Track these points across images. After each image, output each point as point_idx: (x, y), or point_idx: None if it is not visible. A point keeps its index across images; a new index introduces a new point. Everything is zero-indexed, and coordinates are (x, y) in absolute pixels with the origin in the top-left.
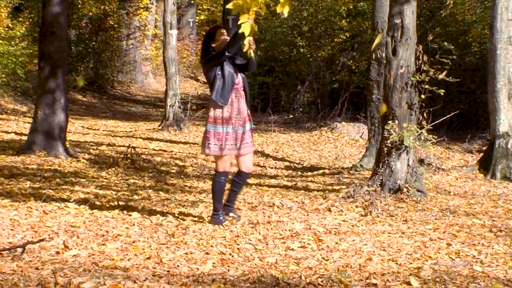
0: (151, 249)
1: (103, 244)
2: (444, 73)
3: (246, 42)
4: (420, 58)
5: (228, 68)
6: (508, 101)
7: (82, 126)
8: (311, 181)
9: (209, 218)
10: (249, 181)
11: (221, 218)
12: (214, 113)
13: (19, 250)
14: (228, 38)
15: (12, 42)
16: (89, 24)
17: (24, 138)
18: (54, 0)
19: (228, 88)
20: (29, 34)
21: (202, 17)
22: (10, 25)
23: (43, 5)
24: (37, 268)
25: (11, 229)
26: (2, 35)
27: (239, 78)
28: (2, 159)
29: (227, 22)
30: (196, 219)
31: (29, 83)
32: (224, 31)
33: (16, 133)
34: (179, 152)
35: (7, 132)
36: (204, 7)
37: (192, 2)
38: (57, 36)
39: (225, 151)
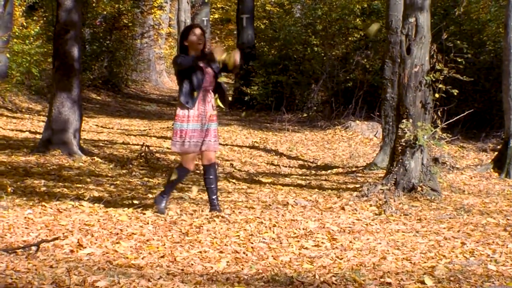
0: (165, 248)
1: (117, 243)
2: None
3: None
4: (435, 56)
5: (197, 72)
6: None
7: (96, 125)
8: (325, 180)
9: (223, 216)
10: (263, 179)
11: (163, 203)
12: (182, 112)
13: (34, 248)
14: (199, 39)
15: (27, 41)
16: (103, 22)
17: (39, 136)
18: None
19: (195, 91)
20: (43, 32)
21: (216, 16)
22: (25, 23)
23: (58, 3)
24: (51, 267)
25: (26, 228)
26: (17, 34)
27: (209, 79)
28: (17, 157)
29: (241, 21)
30: (210, 217)
31: (44, 81)
32: (197, 31)
33: (30, 132)
34: None
35: (21, 131)
36: (218, 5)
37: (206, 0)
38: (71, 35)
39: (190, 148)
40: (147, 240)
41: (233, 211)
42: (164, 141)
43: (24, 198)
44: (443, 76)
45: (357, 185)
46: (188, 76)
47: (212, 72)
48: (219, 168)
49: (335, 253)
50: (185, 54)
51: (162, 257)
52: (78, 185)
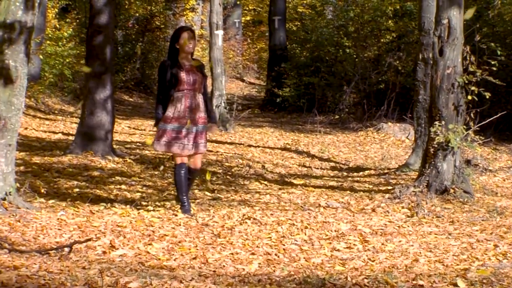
0: (197, 249)
1: (149, 244)
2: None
3: None
4: (467, 58)
5: (177, 76)
6: None
7: (129, 126)
8: (357, 182)
9: (253, 219)
10: (295, 181)
11: (186, 207)
12: (166, 113)
13: (66, 249)
14: (189, 43)
15: (60, 43)
16: (135, 24)
17: (71, 138)
18: (101, 1)
19: (172, 94)
20: (76, 34)
21: (248, 18)
22: (58, 25)
23: (90, 5)
24: (84, 268)
25: (58, 229)
26: (50, 35)
27: (194, 82)
28: (49, 159)
29: (273, 22)
30: (241, 219)
31: (76, 83)
32: (186, 34)
33: (63, 133)
34: (224, 152)
35: (54, 133)
36: (250, 7)
37: (238, 2)
38: (104, 37)
39: (173, 148)
40: (179, 242)
41: (265, 213)
42: None
43: (57, 200)
44: (476, 78)
45: (389, 187)
46: (165, 79)
47: (200, 76)
48: (251, 169)
49: (367, 255)
50: (175, 57)
51: (194, 258)
52: (110, 187)
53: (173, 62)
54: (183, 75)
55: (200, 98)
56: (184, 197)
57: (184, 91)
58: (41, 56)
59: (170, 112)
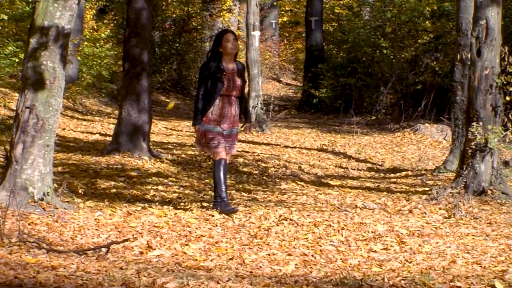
0: (234, 250)
1: (186, 245)
2: None
3: None
4: (506, 59)
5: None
6: None
7: (166, 127)
8: (394, 183)
9: (290, 219)
10: (331, 182)
11: (226, 206)
12: (206, 114)
13: (104, 250)
14: (233, 45)
15: (97, 44)
16: (172, 25)
17: (109, 139)
18: (138, 2)
19: (213, 96)
20: (113, 35)
21: (285, 19)
22: (95, 27)
23: (128, 7)
24: (121, 268)
25: (96, 229)
26: (87, 37)
27: (234, 86)
28: (87, 159)
29: (310, 23)
30: (278, 220)
31: (114, 84)
32: (230, 36)
33: (100, 134)
34: (261, 153)
35: (91, 133)
36: (287, 8)
37: (274, 3)
38: (141, 38)
39: (212, 147)
40: (216, 242)
41: (302, 214)
42: None
43: (94, 200)
44: None
45: (426, 188)
46: (207, 81)
47: (240, 80)
48: (288, 170)
49: (404, 257)
50: (217, 59)
51: (231, 259)
52: (147, 187)
53: (216, 65)
54: (224, 79)
55: (237, 102)
56: (224, 193)
57: (223, 95)
58: (79, 57)
59: (209, 114)
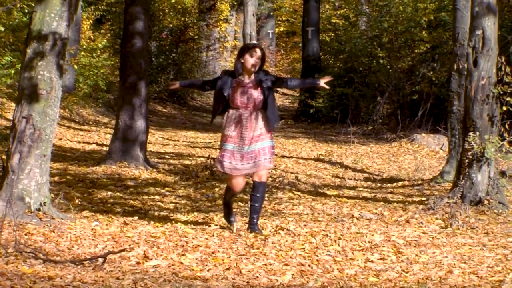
0: (231, 260)
1: (183, 255)
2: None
3: None
4: (502, 69)
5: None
6: None
7: (162, 137)
8: (391, 193)
9: (287, 229)
10: (328, 192)
11: (233, 223)
12: (224, 131)
13: (100, 260)
14: (254, 60)
15: (94, 54)
16: (169, 35)
17: (105, 148)
18: (135, 12)
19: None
20: (110, 45)
21: (282, 29)
22: (92, 37)
23: (125, 17)
24: (118, 278)
25: (92, 239)
26: (84, 47)
27: (249, 100)
28: (84, 169)
29: (307, 33)
30: (275, 230)
31: (111, 94)
32: (255, 51)
33: (97, 144)
34: None
35: (88, 143)
36: (284, 18)
37: (271, 13)
38: (138, 48)
39: (225, 168)
40: (213, 252)
41: (298, 224)
42: None
43: (91, 210)
44: (511, 89)
45: (423, 198)
46: (220, 96)
47: (257, 94)
48: (285, 180)
49: (401, 267)
50: (237, 71)
51: (228, 269)
52: (144, 197)
53: (232, 76)
54: (235, 94)
55: (256, 115)
56: (231, 218)
57: (238, 109)
58: (75, 66)
59: (226, 130)
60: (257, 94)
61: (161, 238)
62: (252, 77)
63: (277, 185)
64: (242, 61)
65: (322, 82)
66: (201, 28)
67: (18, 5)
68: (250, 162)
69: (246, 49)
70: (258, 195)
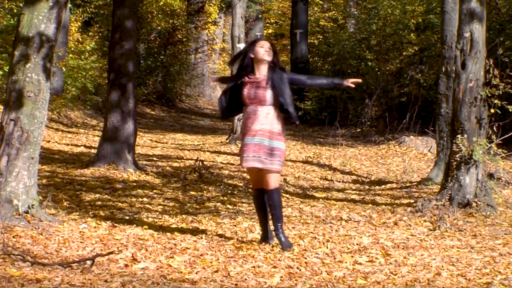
0: (219, 262)
1: (171, 257)
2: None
3: None
4: (490, 71)
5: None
6: None
7: (151, 140)
8: (379, 195)
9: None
10: (317, 194)
11: (262, 236)
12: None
13: (89, 262)
14: (266, 51)
15: (82, 56)
16: (157, 38)
17: (94, 151)
18: (123, 14)
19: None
20: (98, 48)
21: (270, 31)
22: (80, 39)
23: (113, 19)
24: (106, 281)
25: (81, 242)
26: (72, 49)
27: (257, 94)
28: (72, 172)
29: (295, 36)
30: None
31: (99, 96)
32: (263, 44)
33: (85, 146)
34: None
35: (76, 145)
36: (272, 20)
37: (260, 16)
38: (126, 50)
39: (247, 163)
40: (201, 255)
41: (287, 226)
42: (217, 155)
43: (79, 212)
44: (498, 92)
45: (411, 201)
46: (231, 91)
47: (262, 90)
48: None
49: (389, 269)
50: (248, 66)
51: (216, 271)
52: (132, 200)
53: (244, 73)
54: (245, 89)
55: (267, 111)
56: (262, 225)
57: (249, 105)
58: (63, 68)
59: (243, 125)
60: (266, 90)
61: (149, 241)
62: (264, 72)
63: None
64: (252, 55)
65: (349, 82)
66: (190, 30)
67: (6, 6)
68: (256, 155)
69: (255, 42)
70: (270, 203)
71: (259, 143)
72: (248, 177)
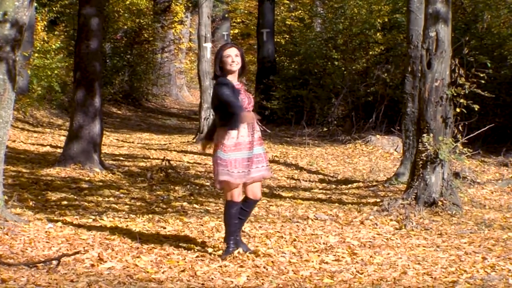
0: (186, 262)
1: (137, 257)
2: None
3: None
4: (456, 71)
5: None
6: None
7: (117, 139)
8: (345, 194)
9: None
10: (283, 194)
11: (230, 250)
12: (229, 141)
13: (54, 262)
14: (234, 60)
15: (48, 56)
16: (124, 37)
17: (59, 150)
18: (89, 13)
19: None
20: (64, 47)
21: (237, 31)
22: (46, 38)
23: (79, 18)
24: (72, 281)
25: (47, 242)
26: (38, 48)
27: (250, 102)
28: (38, 171)
29: (262, 35)
30: None
31: (65, 96)
32: (230, 52)
33: (51, 146)
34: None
35: (42, 145)
36: (239, 20)
37: (226, 15)
38: (92, 49)
39: (237, 179)
40: (168, 255)
41: (253, 226)
42: (184, 155)
43: (45, 212)
44: (464, 91)
45: (378, 200)
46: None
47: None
48: None
49: (355, 268)
50: (222, 76)
51: (183, 271)
52: (98, 199)
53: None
54: (241, 97)
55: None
56: (231, 239)
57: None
58: (29, 71)
59: (233, 139)
60: (251, 97)
61: (115, 241)
62: (236, 80)
63: None
64: (221, 65)
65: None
66: (156, 29)
67: None
68: (255, 166)
69: (221, 51)
70: (247, 210)
71: (259, 153)
72: (232, 191)
